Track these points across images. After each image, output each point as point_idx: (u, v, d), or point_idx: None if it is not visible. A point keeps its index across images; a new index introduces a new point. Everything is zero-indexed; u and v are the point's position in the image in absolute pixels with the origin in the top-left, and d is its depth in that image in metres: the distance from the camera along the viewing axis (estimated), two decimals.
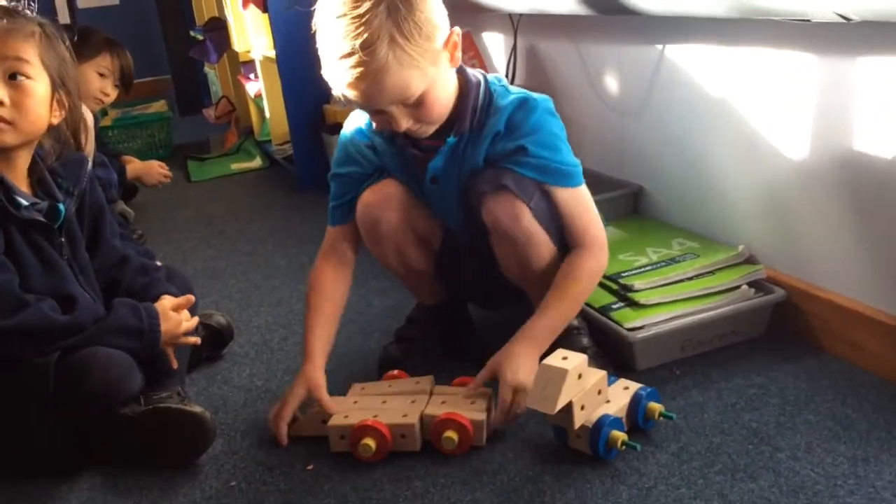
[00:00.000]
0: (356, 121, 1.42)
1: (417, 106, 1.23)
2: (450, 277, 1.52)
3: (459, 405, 1.28)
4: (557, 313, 1.32)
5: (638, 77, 1.81)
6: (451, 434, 1.24)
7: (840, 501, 1.07)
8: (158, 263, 1.62)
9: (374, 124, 1.33)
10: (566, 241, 1.36)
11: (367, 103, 1.23)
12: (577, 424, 1.19)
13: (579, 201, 1.34)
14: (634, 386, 1.28)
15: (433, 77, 1.22)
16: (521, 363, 1.26)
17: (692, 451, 1.20)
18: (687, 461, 1.18)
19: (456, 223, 1.43)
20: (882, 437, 1.19)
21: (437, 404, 1.30)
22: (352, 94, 1.21)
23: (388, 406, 1.32)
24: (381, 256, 1.48)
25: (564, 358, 1.18)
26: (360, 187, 1.41)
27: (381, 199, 1.40)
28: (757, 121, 1.51)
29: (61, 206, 1.36)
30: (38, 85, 1.30)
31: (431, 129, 1.28)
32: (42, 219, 1.32)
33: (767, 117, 1.49)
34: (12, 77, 1.27)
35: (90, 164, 1.49)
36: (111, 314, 1.33)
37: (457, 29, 1.25)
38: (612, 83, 1.91)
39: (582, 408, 1.19)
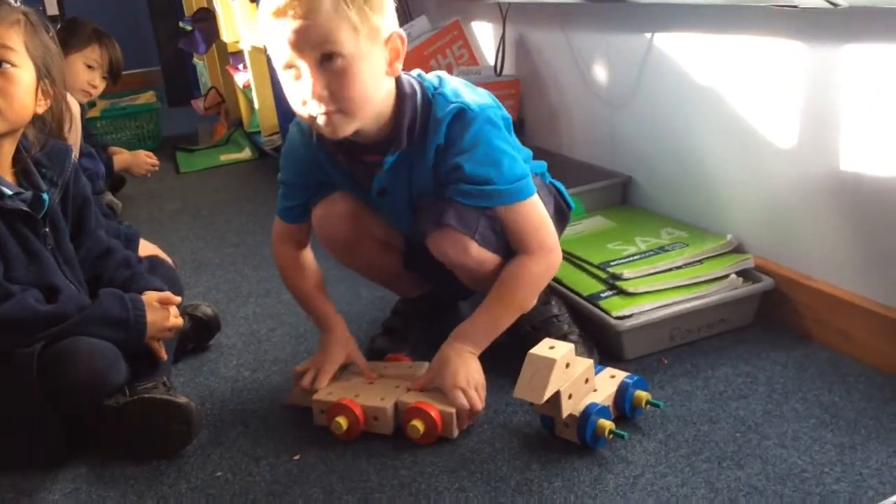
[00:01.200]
0: (301, 130, 1.34)
1: (336, 74, 1.13)
2: (419, 273, 1.52)
3: (437, 395, 1.28)
4: (494, 317, 1.31)
5: (627, 66, 1.80)
6: (416, 423, 1.24)
7: (827, 489, 1.07)
8: (141, 255, 1.62)
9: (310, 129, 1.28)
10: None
11: (284, 42, 1.13)
12: (564, 414, 1.18)
13: (526, 216, 1.28)
14: (621, 374, 1.27)
15: (364, 53, 1.14)
16: (457, 367, 1.27)
17: (679, 439, 1.20)
18: (674, 449, 1.18)
19: (409, 231, 1.41)
20: (870, 425, 1.19)
21: (416, 392, 1.30)
22: (274, 25, 1.12)
23: (372, 387, 1.33)
24: (345, 263, 1.49)
25: (552, 347, 1.17)
26: (307, 195, 1.38)
27: (334, 215, 1.37)
28: (746, 109, 1.50)
29: (45, 196, 1.35)
30: (24, 73, 1.29)
31: (346, 125, 1.18)
32: (26, 208, 1.31)
33: (757, 106, 1.48)
34: None
35: (75, 155, 1.48)
36: (96, 304, 1.32)
37: (402, 34, 1.20)
38: (601, 72, 1.90)
39: (569, 397, 1.18)
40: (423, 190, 1.31)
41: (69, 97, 1.53)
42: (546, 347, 1.17)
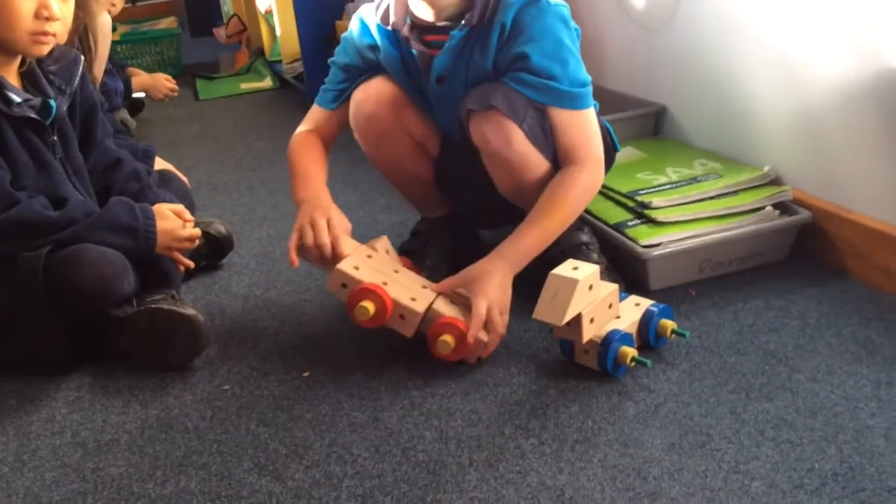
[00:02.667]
0: (363, 18, 1.35)
1: None
2: (450, 189, 1.46)
3: (467, 314, 1.21)
4: (538, 234, 1.23)
5: None
6: (447, 338, 1.16)
7: (861, 423, 1.01)
8: (155, 168, 1.57)
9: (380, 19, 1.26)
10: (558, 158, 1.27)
11: None
12: (585, 338, 1.13)
13: (580, 125, 1.24)
14: (646, 302, 1.22)
15: None
16: (491, 282, 1.19)
17: (705, 369, 1.15)
18: (699, 379, 1.13)
19: (458, 130, 1.34)
20: None
21: (447, 303, 1.22)
22: None
23: (399, 279, 1.23)
24: (375, 159, 1.42)
25: (575, 268, 1.11)
26: (355, 80, 1.36)
27: (374, 96, 1.33)
28: (788, 35, 1.41)
29: (52, 103, 1.30)
30: None
31: None
32: (35, 115, 1.27)
33: (800, 31, 1.39)
34: None
35: (98, 71, 1.43)
36: (104, 210, 1.29)
37: None
38: None
39: (591, 321, 1.13)
40: (481, 78, 1.25)
41: (103, 13, 1.51)
42: (569, 268, 1.11)
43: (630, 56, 1.89)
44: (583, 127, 1.24)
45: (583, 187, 1.24)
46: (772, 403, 1.06)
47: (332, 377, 1.21)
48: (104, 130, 1.43)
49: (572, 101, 1.22)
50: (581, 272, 1.10)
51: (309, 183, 1.32)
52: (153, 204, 1.36)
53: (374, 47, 1.34)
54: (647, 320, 1.19)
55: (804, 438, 0.99)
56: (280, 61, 3.22)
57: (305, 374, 1.22)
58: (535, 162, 1.24)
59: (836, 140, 1.38)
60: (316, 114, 1.41)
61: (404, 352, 1.24)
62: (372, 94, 1.34)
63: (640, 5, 1.81)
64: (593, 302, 1.13)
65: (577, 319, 1.11)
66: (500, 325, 1.18)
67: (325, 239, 1.22)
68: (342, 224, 1.25)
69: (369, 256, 1.25)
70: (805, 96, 1.41)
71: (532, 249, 1.23)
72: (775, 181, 1.47)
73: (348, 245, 1.24)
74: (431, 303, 1.21)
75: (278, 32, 3.13)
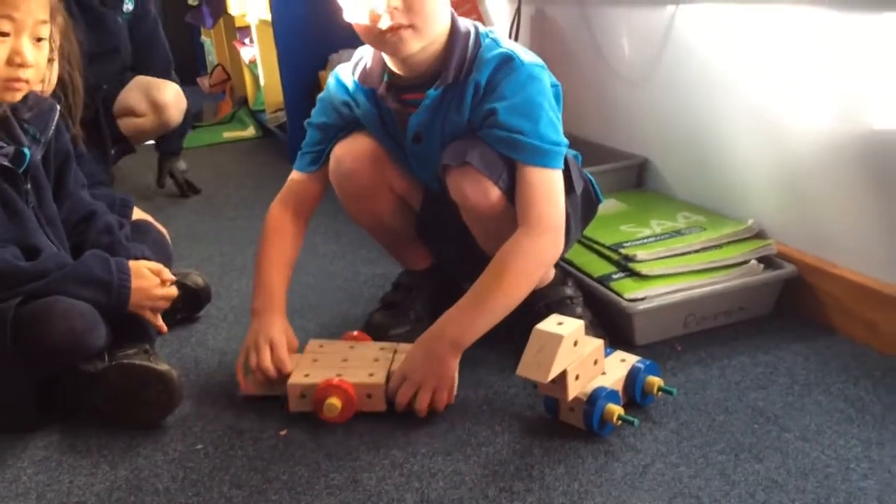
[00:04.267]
0: (339, 75, 1.34)
1: None
2: (432, 242, 1.44)
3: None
4: (479, 307, 1.16)
5: (647, 42, 1.72)
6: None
7: (853, 485, 0.98)
8: (133, 219, 1.54)
9: (356, 74, 1.27)
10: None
11: None
12: (570, 395, 1.10)
13: (542, 184, 1.18)
14: (632, 358, 1.19)
15: None
16: (416, 356, 1.18)
17: (693, 428, 1.12)
18: (687, 439, 1.10)
19: (438, 185, 1.33)
20: None
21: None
22: None
23: (350, 365, 1.24)
24: (356, 215, 1.41)
25: (560, 323, 1.09)
26: (333, 139, 1.34)
27: (354, 152, 1.32)
28: (770, 88, 1.42)
29: (26, 151, 1.27)
30: (48, 44, 1.28)
31: (413, 41, 1.15)
32: (7, 163, 1.24)
33: (782, 85, 1.40)
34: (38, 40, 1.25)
35: (58, 111, 1.41)
36: (78, 263, 1.25)
37: None
38: (619, 49, 1.82)
39: (577, 378, 1.10)
40: (458, 135, 1.24)
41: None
42: (554, 323, 1.09)
43: (613, 109, 1.89)
44: (542, 186, 1.18)
45: (532, 256, 1.17)
46: (762, 464, 1.03)
47: (309, 436, 1.17)
48: (77, 180, 1.40)
49: (539, 157, 1.18)
50: (566, 327, 1.08)
51: (263, 291, 1.31)
52: (127, 258, 1.32)
53: (349, 104, 1.32)
54: (633, 377, 1.16)
55: (796, 501, 0.97)
56: (263, 110, 3.23)
57: (282, 433, 1.18)
58: (512, 218, 1.21)
59: (820, 194, 1.37)
60: (294, 183, 1.37)
61: (356, 414, 1.20)
62: (352, 150, 1.32)
63: (623, 59, 1.82)
64: (578, 358, 1.10)
65: (563, 376, 1.09)
66: (420, 405, 1.16)
67: (268, 363, 1.23)
68: (283, 345, 1.25)
69: (315, 360, 1.26)
70: (788, 150, 1.41)
71: (477, 327, 1.17)
72: (759, 235, 1.46)
73: (292, 362, 1.25)
74: (391, 365, 1.22)
75: (262, 82, 3.13)
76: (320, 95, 1.36)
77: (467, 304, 1.18)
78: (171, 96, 2.25)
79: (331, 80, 1.35)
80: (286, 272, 1.34)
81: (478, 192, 1.20)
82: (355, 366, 1.24)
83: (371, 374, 1.21)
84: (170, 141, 2.42)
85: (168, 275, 1.35)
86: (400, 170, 1.35)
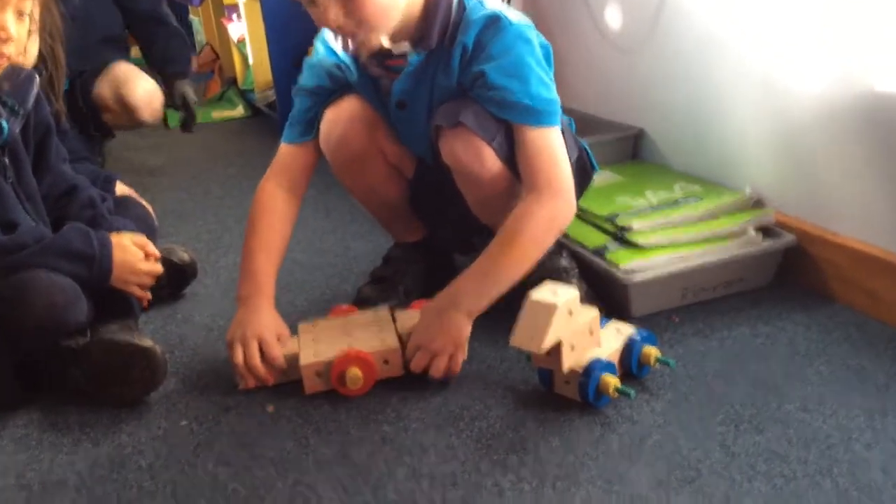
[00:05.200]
0: (326, 40, 1.29)
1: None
2: (424, 213, 1.40)
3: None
4: (491, 274, 1.14)
5: (642, 9, 1.68)
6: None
7: (856, 455, 0.96)
8: (116, 194, 1.51)
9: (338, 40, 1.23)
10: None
11: None
12: (565, 367, 1.07)
13: (544, 145, 1.15)
14: (628, 329, 1.16)
15: None
16: (430, 322, 1.15)
17: (691, 399, 1.09)
18: (686, 410, 1.07)
19: (426, 154, 1.29)
20: None
21: (409, 324, 1.19)
22: None
23: (355, 336, 1.21)
24: (347, 181, 1.36)
25: (554, 292, 1.06)
26: (324, 104, 1.29)
27: (346, 116, 1.27)
28: (768, 55, 1.38)
29: (4, 124, 1.23)
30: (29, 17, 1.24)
31: (373, 38, 1.13)
32: None
33: (780, 52, 1.36)
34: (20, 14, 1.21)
35: (37, 83, 1.36)
36: (58, 236, 1.21)
37: None
38: (614, 15, 1.78)
39: (571, 348, 1.07)
40: (448, 99, 1.19)
41: None
42: (548, 292, 1.06)
43: (607, 79, 1.85)
44: (545, 147, 1.16)
45: (544, 221, 1.14)
46: (762, 435, 1.00)
47: (297, 411, 1.14)
48: (58, 154, 1.36)
49: (532, 116, 1.15)
50: (560, 296, 1.05)
51: (251, 278, 1.24)
52: (109, 232, 1.29)
53: (341, 67, 1.28)
54: (629, 348, 1.13)
55: (798, 472, 0.94)
56: (253, 90, 3.18)
57: (269, 409, 1.15)
58: (507, 181, 1.19)
59: (819, 161, 1.34)
60: (285, 156, 1.32)
61: (376, 383, 1.17)
62: (343, 114, 1.28)
63: (617, 27, 1.78)
64: (573, 328, 1.07)
65: (557, 347, 1.06)
66: (436, 370, 1.14)
67: (255, 360, 1.17)
68: (273, 343, 1.19)
69: (315, 339, 1.22)
70: (786, 117, 1.38)
71: (479, 290, 1.14)
72: (757, 204, 1.43)
73: (289, 347, 1.20)
74: (396, 328, 1.20)
75: (251, 61, 3.08)
76: (308, 60, 1.31)
77: (480, 270, 1.15)
78: (141, 96, 2.05)
79: (318, 45, 1.30)
80: (277, 257, 1.27)
81: (471, 153, 1.16)
82: (361, 335, 1.20)
83: (383, 340, 1.17)
84: (175, 63, 2.25)
85: (152, 248, 1.32)
86: (393, 136, 1.31)
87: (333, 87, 1.29)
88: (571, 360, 1.08)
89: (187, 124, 2.31)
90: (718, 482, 0.93)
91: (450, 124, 1.16)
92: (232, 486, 0.99)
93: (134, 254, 1.28)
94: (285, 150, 1.32)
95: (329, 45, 1.28)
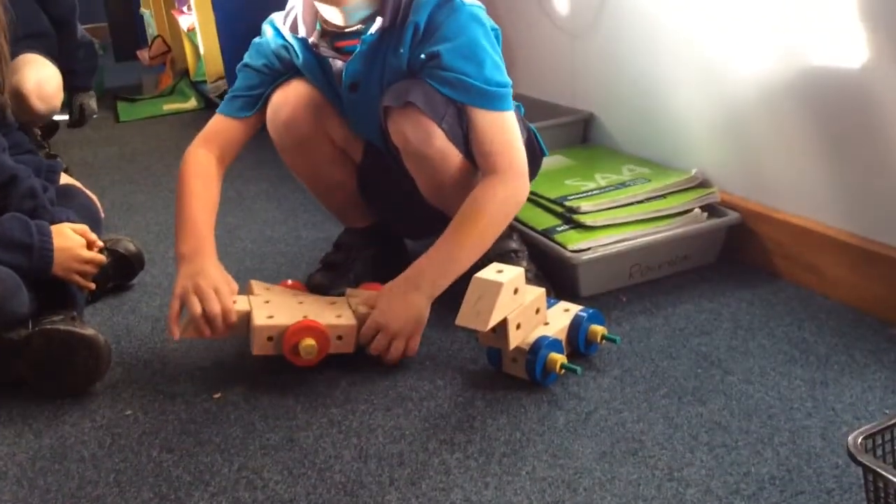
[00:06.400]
0: (274, 22, 1.28)
1: None
2: (373, 198, 1.39)
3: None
4: (453, 249, 1.15)
5: None
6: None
7: (797, 424, 0.97)
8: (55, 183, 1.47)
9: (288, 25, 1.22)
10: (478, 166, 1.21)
11: None
12: (511, 345, 1.07)
13: (499, 129, 1.17)
14: (575, 308, 1.17)
15: None
16: (391, 304, 1.14)
17: (636, 375, 1.10)
18: (630, 385, 1.08)
19: (377, 137, 1.29)
20: (842, 361, 1.10)
21: (364, 304, 1.19)
22: None
23: (310, 308, 1.19)
24: (295, 166, 1.36)
25: (499, 271, 1.06)
26: (269, 85, 1.28)
27: (293, 100, 1.26)
28: (711, 37, 1.40)
29: None
30: None
31: None
32: None
33: (722, 33, 1.38)
34: None
35: None
36: None
37: None
38: (561, 0, 1.78)
39: (518, 326, 1.07)
40: (397, 80, 1.19)
41: None
42: (493, 271, 1.06)
43: (555, 63, 1.86)
44: (502, 131, 1.17)
45: (502, 201, 1.16)
46: (705, 407, 1.02)
47: (244, 397, 1.13)
48: None
49: (488, 100, 1.16)
50: (505, 275, 1.05)
51: (193, 234, 1.21)
52: (51, 223, 1.26)
53: (288, 48, 1.27)
54: (576, 326, 1.14)
55: (739, 442, 0.95)
56: (205, 81, 3.13)
57: (216, 396, 1.14)
58: (456, 161, 1.19)
59: (762, 141, 1.36)
60: (219, 125, 1.30)
61: (323, 367, 1.16)
62: (290, 97, 1.27)
63: (564, 11, 1.79)
64: (519, 306, 1.07)
65: (503, 325, 1.06)
66: (392, 354, 1.14)
67: (217, 308, 1.12)
68: (229, 288, 1.16)
69: (268, 302, 1.20)
70: (730, 98, 1.40)
71: (441, 270, 1.14)
72: (703, 184, 1.45)
73: (240, 304, 1.18)
74: (350, 306, 1.20)
75: (202, 51, 3.04)
76: (256, 40, 1.31)
77: (440, 252, 1.15)
78: (31, 85, 1.91)
79: (266, 27, 1.29)
80: (213, 216, 1.25)
81: (420, 133, 1.15)
82: (316, 308, 1.19)
83: (339, 316, 1.17)
84: (77, 77, 2.20)
85: (93, 236, 1.29)
86: (340, 119, 1.30)
87: (281, 70, 1.28)
88: (518, 339, 1.08)
89: (75, 124, 2.29)
90: (661, 453, 0.94)
91: (398, 104, 1.15)
92: (176, 473, 0.98)
93: (74, 240, 1.26)
94: (221, 121, 1.30)
95: (277, 27, 1.27)
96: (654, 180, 1.45)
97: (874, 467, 0.73)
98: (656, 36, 1.53)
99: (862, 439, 0.77)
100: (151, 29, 3.90)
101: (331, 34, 1.22)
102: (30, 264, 1.20)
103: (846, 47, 1.17)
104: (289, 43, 1.26)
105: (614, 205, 1.39)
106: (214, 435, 1.05)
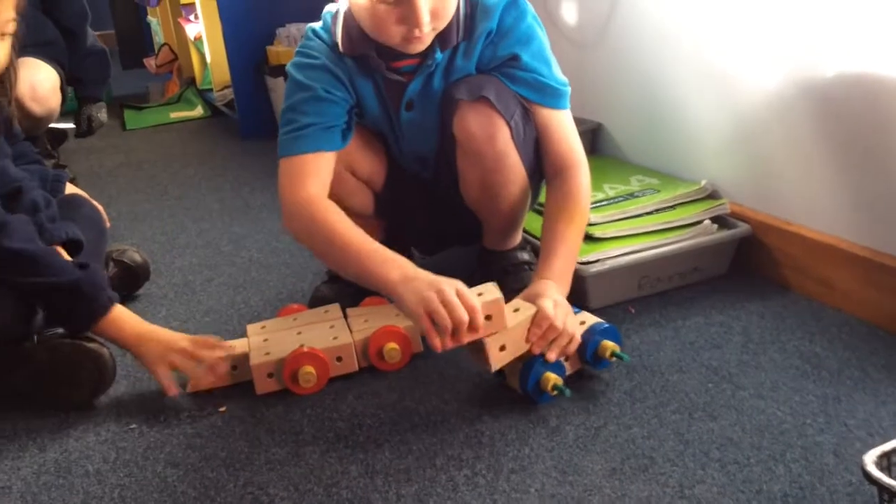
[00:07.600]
0: (322, 37, 1.20)
1: None
2: (393, 215, 1.38)
3: (386, 318, 1.20)
4: (571, 243, 1.15)
5: (597, 3, 1.68)
6: (392, 345, 1.16)
7: (810, 440, 0.96)
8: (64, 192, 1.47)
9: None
10: (543, 167, 1.22)
11: None
12: (494, 367, 1.03)
13: (569, 124, 1.22)
14: (592, 320, 1.14)
15: None
16: (561, 313, 1.06)
17: (646, 389, 1.09)
18: (640, 400, 1.07)
19: (428, 151, 1.26)
20: (855, 376, 1.08)
21: (361, 322, 1.21)
22: None
23: (308, 335, 1.20)
24: None
25: (480, 294, 1.02)
26: (346, 109, 1.18)
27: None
28: (722, 47, 1.39)
29: None
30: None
31: (432, 36, 1.12)
32: None
33: (733, 43, 1.36)
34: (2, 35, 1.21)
35: None
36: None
37: None
38: (569, 10, 1.78)
39: (502, 348, 1.03)
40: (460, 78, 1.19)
41: None
42: (474, 294, 1.02)
43: (564, 74, 1.84)
44: (573, 129, 1.22)
45: (587, 190, 1.19)
46: (716, 423, 1.01)
47: (250, 411, 1.12)
48: (2, 151, 1.33)
49: (558, 99, 1.20)
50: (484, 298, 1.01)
51: (391, 258, 1.07)
52: (49, 244, 1.23)
53: (341, 67, 1.18)
54: (587, 341, 1.12)
55: (751, 458, 0.94)
56: (211, 89, 3.13)
57: (221, 410, 1.13)
58: (512, 163, 1.19)
59: (773, 152, 1.35)
60: (318, 164, 1.15)
61: (329, 381, 1.15)
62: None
63: (571, 21, 1.78)
64: (494, 330, 1.02)
65: (482, 347, 1.01)
66: (569, 329, 1.07)
67: (464, 316, 0.98)
68: (467, 289, 1.02)
69: (266, 340, 1.20)
70: (740, 109, 1.38)
71: (569, 267, 1.14)
72: (713, 195, 1.44)
73: (237, 348, 1.19)
74: (348, 324, 1.21)
75: (208, 59, 3.04)
76: (303, 63, 1.18)
77: (562, 252, 1.14)
78: (26, 88, 1.84)
79: (317, 45, 1.19)
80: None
81: (486, 129, 1.16)
82: (313, 333, 1.20)
83: (335, 338, 1.17)
84: (85, 86, 2.20)
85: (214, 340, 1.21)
86: (367, 153, 1.27)
87: (348, 99, 1.19)
88: (502, 360, 1.03)
89: (83, 135, 2.27)
90: (672, 470, 0.93)
91: (472, 98, 1.15)
92: (181, 488, 0.97)
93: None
94: (319, 159, 1.16)
95: (325, 42, 1.19)
96: (663, 191, 1.44)
97: (890, 486, 0.72)
98: (665, 46, 1.52)
99: (876, 458, 0.76)
100: (158, 37, 3.91)
101: (386, 54, 1.17)
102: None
103: (859, 57, 1.16)
104: (342, 63, 1.18)
105: (623, 216, 1.37)
106: (220, 449, 1.04)
